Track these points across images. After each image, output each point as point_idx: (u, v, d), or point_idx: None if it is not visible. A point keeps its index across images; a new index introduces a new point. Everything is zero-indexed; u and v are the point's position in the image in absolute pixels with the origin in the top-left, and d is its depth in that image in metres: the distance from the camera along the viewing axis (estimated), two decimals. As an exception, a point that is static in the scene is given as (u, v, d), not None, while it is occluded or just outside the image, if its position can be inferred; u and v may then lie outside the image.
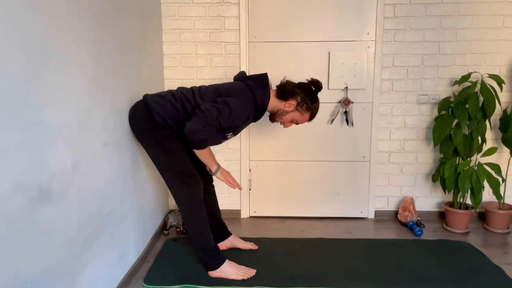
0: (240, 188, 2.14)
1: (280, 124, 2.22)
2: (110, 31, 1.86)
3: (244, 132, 2.97)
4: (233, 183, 2.10)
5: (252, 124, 2.96)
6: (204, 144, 1.95)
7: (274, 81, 2.20)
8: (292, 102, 2.09)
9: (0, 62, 1.09)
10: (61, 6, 1.40)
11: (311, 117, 2.18)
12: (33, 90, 1.24)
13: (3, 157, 1.10)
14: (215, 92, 2.03)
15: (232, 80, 2.22)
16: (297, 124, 2.20)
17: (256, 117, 2.12)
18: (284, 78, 2.18)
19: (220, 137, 2.10)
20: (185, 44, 2.90)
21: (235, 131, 2.11)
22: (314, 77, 2.18)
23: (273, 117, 2.19)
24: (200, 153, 1.99)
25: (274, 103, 2.11)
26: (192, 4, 2.86)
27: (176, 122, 1.99)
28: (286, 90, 2.10)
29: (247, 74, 2.20)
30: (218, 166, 2.07)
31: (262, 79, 2.09)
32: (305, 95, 2.10)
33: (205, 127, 1.90)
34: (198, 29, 2.88)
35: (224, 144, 2.99)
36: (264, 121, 2.96)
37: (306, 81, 2.16)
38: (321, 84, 2.16)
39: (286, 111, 2.12)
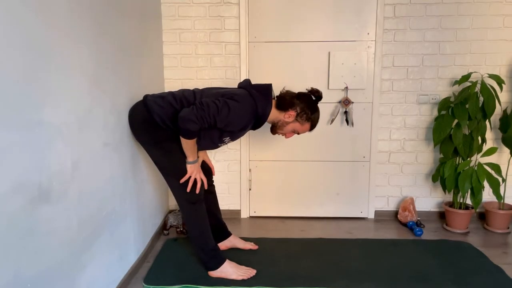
0: (188, 190, 2.02)
1: (282, 135, 2.20)
2: (110, 31, 1.86)
3: (244, 132, 2.97)
4: (189, 183, 2.00)
5: (252, 124, 2.96)
6: (191, 135, 1.92)
7: (275, 84, 2.18)
8: (292, 113, 2.07)
9: (0, 62, 1.09)
10: (61, 6, 1.40)
11: (312, 127, 2.16)
12: (33, 90, 1.24)
13: (3, 157, 1.10)
14: (218, 95, 2.01)
15: (233, 81, 2.20)
16: (298, 134, 2.19)
17: (255, 126, 2.11)
18: (283, 88, 2.16)
19: (217, 140, 2.08)
20: (185, 44, 2.90)
21: (233, 136, 2.09)
22: (314, 86, 2.17)
23: (274, 129, 2.17)
24: (185, 142, 1.96)
25: (274, 114, 2.09)
26: (192, 4, 2.86)
27: (175, 123, 1.99)
28: (285, 101, 2.08)
29: (250, 80, 2.17)
30: (195, 160, 2.02)
31: (265, 89, 2.07)
32: (304, 105, 2.07)
33: (199, 121, 1.87)
34: (198, 29, 2.89)
35: (224, 144, 3.00)
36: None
37: (306, 91, 2.14)
38: (321, 93, 2.14)
39: (286, 122, 2.10)
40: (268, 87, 2.09)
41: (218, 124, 1.93)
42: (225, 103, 1.92)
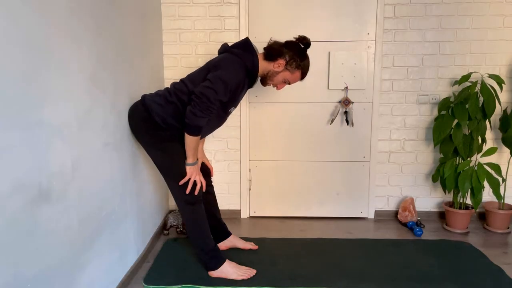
0: (187, 192, 2.00)
1: (273, 86, 2.17)
2: (110, 31, 1.86)
3: (244, 132, 2.97)
4: (189, 184, 1.99)
5: (252, 124, 2.97)
6: (199, 131, 1.93)
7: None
8: (281, 62, 2.05)
9: (0, 62, 1.09)
10: (61, 6, 1.40)
11: (302, 76, 2.13)
12: (33, 90, 1.24)
13: (3, 157, 1.10)
14: (203, 71, 2.02)
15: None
16: (289, 84, 2.15)
17: (250, 82, 2.10)
18: (270, 38, 2.14)
19: (223, 114, 2.09)
20: (185, 44, 2.90)
21: (235, 102, 2.09)
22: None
23: (264, 81, 2.14)
24: (189, 140, 1.95)
25: (263, 65, 2.08)
26: (192, 4, 2.86)
27: (177, 118, 1.98)
28: (273, 50, 2.06)
29: (227, 43, 2.16)
30: (195, 162, 2.01)
31: (245, 44, 2.07)
32: (293, 53, 2.05)
33: (205, 113, 1.88)
34: (198, 29, 2.89)
35: (224, 144, 3.00)
36: (264, 120, 2.96)
37: (294, 39, 2.11)
38: (309, 40, 2.09)
39: (276, 72, 2.08)
40: (246, 41, 2.08)
41: (224, 99, 1.95)
42: (215, 78, 1.91)
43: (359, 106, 2.92)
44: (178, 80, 2.12)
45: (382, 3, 2.80)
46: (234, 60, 2.00)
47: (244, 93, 2.15)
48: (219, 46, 2.85)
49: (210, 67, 2.02)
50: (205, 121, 1.91)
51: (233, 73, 1.96)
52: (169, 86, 2.12)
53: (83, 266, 1.58)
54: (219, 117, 2.10)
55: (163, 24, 2.88)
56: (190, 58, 2.92)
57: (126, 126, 2.05)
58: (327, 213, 3.07)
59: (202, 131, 1.95)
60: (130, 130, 2.09)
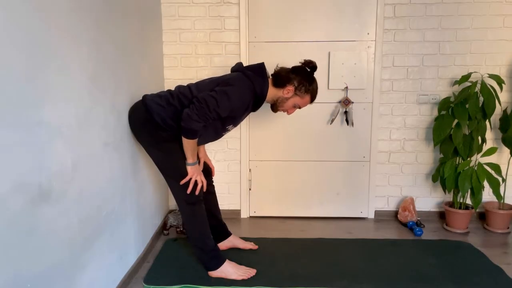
0: (188, 192, 2.02)
1: (283, 112, 2.20)
2: (110, 31, 1.86)
3: (244, 133, 2.97)
4: (190, 184, 1.99)
5: (252, 124, 2.97)
6: (194, 134, 1.93)
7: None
8: (290, 88, 2.08)
9: (0, 62, 1.09)
10: (62, 6, 1.40)
11: (312, 99, 2.16)
12: (33, 90, 1.24)
13: (3, 157, 1.10)
14: (212, 83, 2.02)
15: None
16: (299, 108, 2.18)
17: (254, 107, 2.11)
18: (277, 65, 2.16)
19: (220, 130, 2.09)
20: (185, 44, 2.90)
21: (235, 122, 2.10)
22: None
23: (275, 107, 2.17)
24: (186, 142, 1.95)
25: (272, 92, 2.09)
26: (192, 4, 2.86)
27: (177, 120, 1.98)
28: (281, 77, 2.08)
29: (242, 63, 2.18)
30: (195, 162, 2.02)
31: (259, 68, 2.08)
32: (301, 78, 2.08)
33: (201, 119, 1.88)
34: (198, 29, 2.89)
35: (224, 144, 3.00)
36: (264, 121, 2.97)
37: (300, 64, 2.14)
38: (315, 63, 2.13)
39: (286, 98, 2.10)
40: (261, 66, 2.09)
41: (222, 114, 1.94)
42: (222, 92, 1.92)
43: (359, 106, 2.93)
44: (179, 82, 2.12)
45: (382, 3, 2.80)
46: (245, 81, 2.01)
47: (246, 116, 2.15)
48: (219, 46, 2.90)
49: (220, 81, 2.02)
50: (200, 126, 1.90)
51: (240, 93, 1.97)
52: (170, 88, 2.12)
53: (83, 266, 1.58)
54: (215, 131, 2.08)
55: (163, 24, 2.88)
56: (190, 58, 2.92)
57: (126, 126, 2.05)
58: (327, 213, 3.07)
59: (197, 135, 1.95)
60: (130, 130, 2.09)
